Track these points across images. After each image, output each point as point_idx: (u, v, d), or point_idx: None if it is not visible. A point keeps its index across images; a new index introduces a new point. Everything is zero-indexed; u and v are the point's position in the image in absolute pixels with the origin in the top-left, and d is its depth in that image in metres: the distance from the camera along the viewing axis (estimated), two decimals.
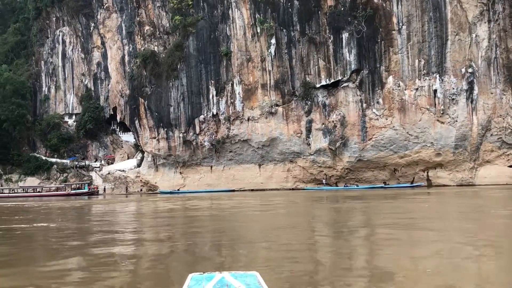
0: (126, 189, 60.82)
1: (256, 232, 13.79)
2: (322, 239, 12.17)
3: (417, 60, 47.21)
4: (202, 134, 55.39)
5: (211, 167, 56.73)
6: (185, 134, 55.97)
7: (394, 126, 48.07)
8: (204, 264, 8.89)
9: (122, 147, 67.71)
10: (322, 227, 14.71)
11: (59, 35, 71.04)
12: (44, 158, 68.03)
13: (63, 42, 70.53)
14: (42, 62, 72.41)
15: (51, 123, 68.75)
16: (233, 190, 52.92)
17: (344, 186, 50.45)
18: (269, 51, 51.65)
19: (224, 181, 55.65)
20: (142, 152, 61.18)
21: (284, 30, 51.32)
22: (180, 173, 58.33)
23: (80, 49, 69.35)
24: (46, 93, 71.79)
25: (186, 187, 56.97)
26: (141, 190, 59.74)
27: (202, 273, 5.03)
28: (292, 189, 52.04)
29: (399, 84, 47.74)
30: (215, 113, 54.57)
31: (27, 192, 64.50)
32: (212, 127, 54.84)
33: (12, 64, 73.00)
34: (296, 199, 31.23)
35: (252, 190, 52.69)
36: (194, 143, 55.89)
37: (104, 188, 62.26)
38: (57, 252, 11.31)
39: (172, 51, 55.98)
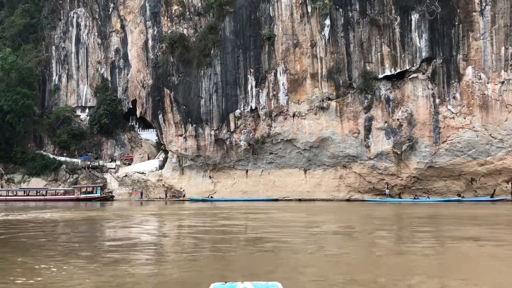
0: (166, 194, 56.25)
1: None
2: None
3: (503, 48, 42.29)
4: (237, 131, 50.63)
5: (247, 171, 51.82)
6: (217, 132, 51.30)
7: (474, 127, 42.77)
8: None
9: (142, 146, 63.52)
10: None
11: (73, 17, 67.68)
12: (51, 156, 64.49)
13: (78, 25, 67.14)
14: (53, 47, 69.06)
15: (61, 117, 65.22)
16: (276, 200, 47.76)
17: (414, 198, 44.80)
18: (322, 34, 46.62)
19: (262, 188, 50.64)
20: (166, 152, 56.83)
21: (341, 10, 46.51)
22: (210, 177, 53.56)
23: (96, 34, 65.79)
24: (56, 82, 68.47)
25: (216, 193, 52.19)
26: (184, 196, 54.32)
27: (224, 283, 5.45)
28: (348, 200, 46.56)
29: (480, 76, 42.59)
30: (253, 108, 49.99)
31: (28, 195, 60.58)
32: (249, 124, 50.07)
33: (19, 49, 69.44)
34: (351, 219, 24.70)
35: (300, 200, 47.43)
36: (227, 142, 51.10)
37: (141, 193, 57.64)
38: None
39: (205, 34, 51.42)
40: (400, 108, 45.02)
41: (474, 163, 43.45)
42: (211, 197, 51.28)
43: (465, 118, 43.09)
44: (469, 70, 42.94)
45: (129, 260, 12.06)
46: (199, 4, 53.67)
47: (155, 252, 13.62)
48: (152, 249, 14.26)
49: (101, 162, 63.04)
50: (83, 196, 58.37)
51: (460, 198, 43.80)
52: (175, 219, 26.25)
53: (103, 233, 19.81)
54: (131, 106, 61.83)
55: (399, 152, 44.93)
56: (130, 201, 56.01)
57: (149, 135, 62.84)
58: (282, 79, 48.64)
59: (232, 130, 50.85)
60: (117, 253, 13.40)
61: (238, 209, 34.75)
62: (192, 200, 50.90)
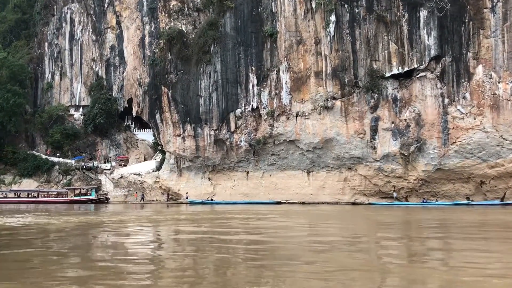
0: (168, 197, 54.44)
1: None
2: None
3: None
4: (238, 132, 49.27)
5: (248, 172, 50.47)
6: (217, 132, 49.90)
7: (484, 128, 41.58)
8: None
9: (138, 146, 62.02)
10: None
11: (66, 13, 66.11)
12: (44, 157, 62.61)
13: (72, 21, 65.58)
14: (46, 44, 67.44)
15: (53, 116, 63.45)
16: (279, 203, 46.33)
17: (423, 201, 43.57)
18: (327, 30, 45.34)
19: (264, 191, 49.29)
20: (163, 152, 55.32)
21: (346, 6, 45.28)
22: (209, 179, 52.15)
23: (91, 30, 64.24)
24: (49, 80, 66.76)
25: (216, 196, 50.76)
26: (187, 197, 51.83)
27: None
28: (353, 203, 45.22)
29: (491, 75, 41.47)
30: (255, 107, 48.69)
31: (19, 197, 58.80)
32: (251, 124, 48.75)
33: (10, 46, 67.73)
34: (357, 228, 22.75)
35: (303, 203, 46.09)
36: (227, 143, 49.72)
37: (142, 196, 55.65)
38: None
39: (205, 30, 50.05)
40: (408, 108, 43.79)
41: (484, 165, 42.27)
42: (212, 199, 49.78)
43: (475, 119, 41.90)
44: (480, 69, 41.78)
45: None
46: None
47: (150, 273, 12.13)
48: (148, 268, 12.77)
49: (95, 163, 61.44)
50: (76, 198, 56.64)
51: (469, 201, 42.61)
52: (174, 228, 24.75)
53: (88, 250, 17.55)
54: (126, 105, 60.28)
55: (406, 154, 43.68)
56: (127, 203, 54.34)
57: (145, 135, 61.40)
58: (285, 77, 47.32)
59: (232, 130, 49.47)
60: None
61: (239, 213, 33.11)
62: (191, 203, 49.35)
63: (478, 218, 28.35)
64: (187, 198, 51.15)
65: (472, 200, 43.05)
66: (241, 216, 29.52)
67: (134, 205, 50.32)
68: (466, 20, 42.17)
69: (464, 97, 42.18)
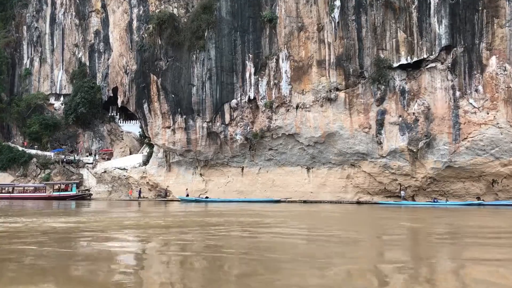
0: (166, 193, 50.65)
1: None
2: None
3: None
4: (233, 124, 46.65)
5: (243, 168, 47.92)
6: (210, 124, 47.23)
7: (498, 123, 39.63)
8: None
9: (123, 139, 59.44)
10: None
11: None
12: (20, 148, 59.93)
13: (53, 3, 63.37)
14: (25, 27, 64.70)
15: (32, 105, 61.18)
16: (278, 201, 43.71)
17: (433, 201, 41.40)
18: (331, 16, 42.92)
19: (260, 188, 46.76)
20: (151, 146, 52.51)
21: None
22: (201, 174, 49.45)
23: (74, 13, 61.67)
24: (27, 66, 64.34)
25: (208, 193, 48.08)
26: (187, 195, 48.08)
27: None
28: (358, 202, 42.84)
29: (505, 67, 39.54)
30: (252, 97, 46.07)
31: None
32: (247, 116, 46.17)
33: None
34: (357, 230, 19.48)
35: (305, 202, 43.60)
36: (221, 136, 47.08)
37: (139, 192, 51.75)
38: None
39: (198, 14, 47.27)
40: (416, 101, 41.60)
41: (497, 163, 40.31)
42: (207, 197, 46.89)
43: (488, 113, 39.86)
44: (493, 60, 39.73)
45: None
46: None
47: None
48: None
49: (77, 156, 58.86)
50: (56, 194, 53.44)
51: (481, 201, 40.66)
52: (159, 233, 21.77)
53: None
54: (111, 95, 57.79)
55: (414, 150, 41.49)
56: (111, 200, 51.22)
57: (131, 127, 58.94)
58: (285, 66, 44.77)
59: (227, 123, 46.80)
60: None
61: (234, 215, 29.29)
62: (183, 201, 46.26)
63: (497, 223, 24.94)
64: (187, 196, 47.82)
65: (483, 200, 41.13)
66: (240, 220, 25.88)
67: (117, 203, 46.95)
68: (480, 8, 40.09)
69: (476, 90, 40.11)
